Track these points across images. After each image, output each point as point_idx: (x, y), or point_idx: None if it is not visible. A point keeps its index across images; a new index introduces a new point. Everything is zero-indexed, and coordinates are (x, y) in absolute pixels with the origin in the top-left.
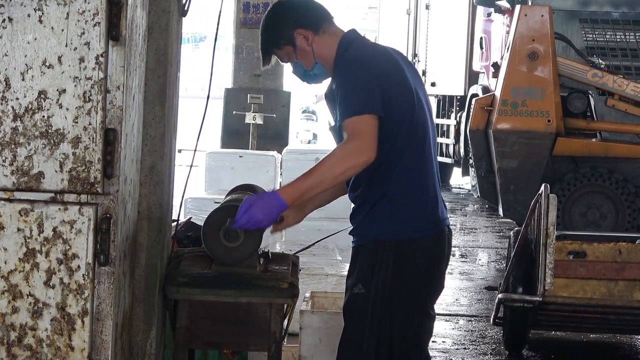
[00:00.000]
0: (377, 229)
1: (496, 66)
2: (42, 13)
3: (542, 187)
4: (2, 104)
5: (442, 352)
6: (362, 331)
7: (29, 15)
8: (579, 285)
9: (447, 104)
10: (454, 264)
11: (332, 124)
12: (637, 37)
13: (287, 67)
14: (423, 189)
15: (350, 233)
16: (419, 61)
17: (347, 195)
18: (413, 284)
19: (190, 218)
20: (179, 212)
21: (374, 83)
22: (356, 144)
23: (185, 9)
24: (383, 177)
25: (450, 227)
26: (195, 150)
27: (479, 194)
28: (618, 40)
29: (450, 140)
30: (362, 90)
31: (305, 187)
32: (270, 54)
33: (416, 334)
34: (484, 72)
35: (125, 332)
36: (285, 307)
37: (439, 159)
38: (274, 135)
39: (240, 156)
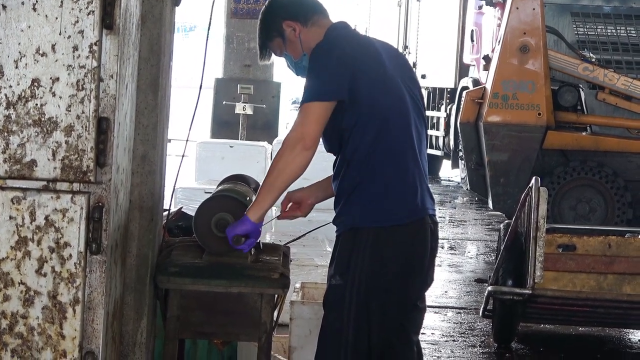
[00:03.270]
0: (354, 216)
1: (487, 59)
2: (36, 1)
3: (533, 180)
4: None
5: (431, 344)
6: (340, 323)
7: (22, 3)
8: (568, 278)
9: (437, 96)
10: (443, 256)
11: None
12: (628, 31)
13: (278, 58)
14: (401, 177)
15: (332, 222)
16: (409, 53)
17: None
18: (391, 273)
19: (181, 208)
20: (170, 202)
21: (338, 67)
22: (293, 135)
23: None
24: (359, 164)
25: (436, 219)
26: (187, 140)
27: (468, 186)
28: (609, 34)
29: (440, 133)
30: (320, 76)
31: (265, 200)
32: (265, 47)
33: (402, 325)
34: (474, 65)
35: (116, 321)
36: (276, 297)
37: (428, 151)
38: (263, 126)
39: (231, 146)
